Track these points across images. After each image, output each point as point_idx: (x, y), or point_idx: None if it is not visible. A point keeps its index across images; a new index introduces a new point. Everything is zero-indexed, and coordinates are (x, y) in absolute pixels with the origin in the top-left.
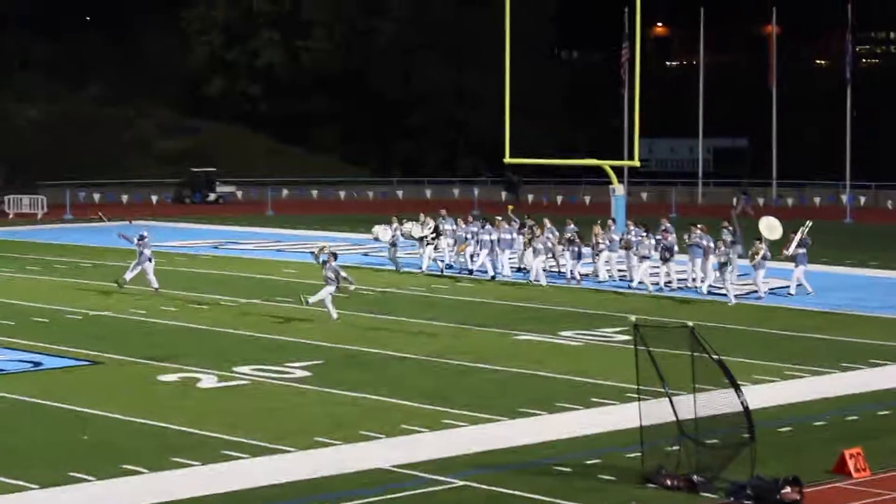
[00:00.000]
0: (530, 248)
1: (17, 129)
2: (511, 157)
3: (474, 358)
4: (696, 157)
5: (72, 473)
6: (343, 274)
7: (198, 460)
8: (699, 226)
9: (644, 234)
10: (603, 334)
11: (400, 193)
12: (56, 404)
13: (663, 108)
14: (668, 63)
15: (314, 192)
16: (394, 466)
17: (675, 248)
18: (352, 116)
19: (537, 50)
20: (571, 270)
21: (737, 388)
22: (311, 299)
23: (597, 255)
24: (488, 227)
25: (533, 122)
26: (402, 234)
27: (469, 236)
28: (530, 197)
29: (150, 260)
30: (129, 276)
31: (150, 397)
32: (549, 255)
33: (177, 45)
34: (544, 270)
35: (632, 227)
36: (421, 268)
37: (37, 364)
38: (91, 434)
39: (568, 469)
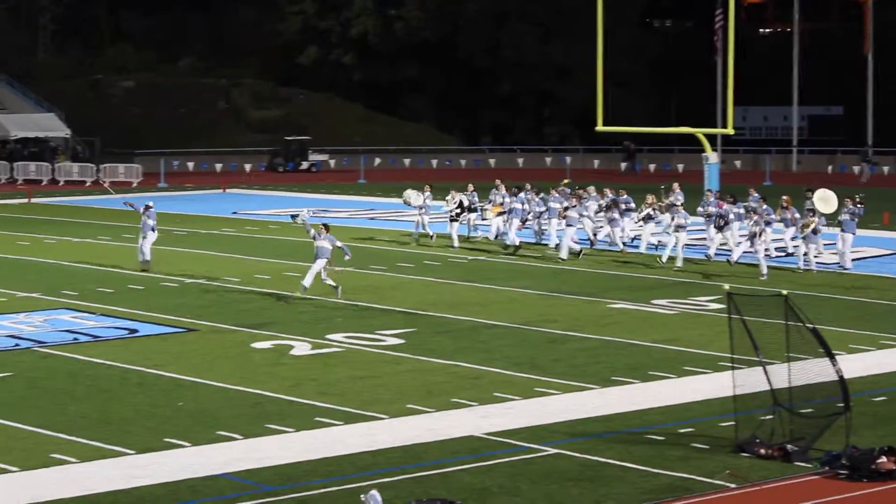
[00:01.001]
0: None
1: (112, 100)
2: (603, 125)
3: (566, 326)
4: (790, 125)
5: (168, 440)
6: (339, 244)
7: (291, 427)
8: (784, 197)
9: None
10: (696, 303)
11: (492, 162)
12: (152, 371)
13: (757, 76)
14: (762, 30)
15: (406, 161)
16: (486, 434)
17: (731, 216)
18: (444, 85)
19: (629, 18)
20: (612, 237)
21: (832, 357)
22: (306, 282)
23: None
24: (543, 196)
25: (624, 90)
26: (403, 201)
27: (525, 206)
28: (651, 166)
29: (152, 230)
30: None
31: (244, 365)
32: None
33: (270, 14)
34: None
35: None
36: (454, 244)
37: (133, 331)
38: (187, 401)
39: (661, 438)
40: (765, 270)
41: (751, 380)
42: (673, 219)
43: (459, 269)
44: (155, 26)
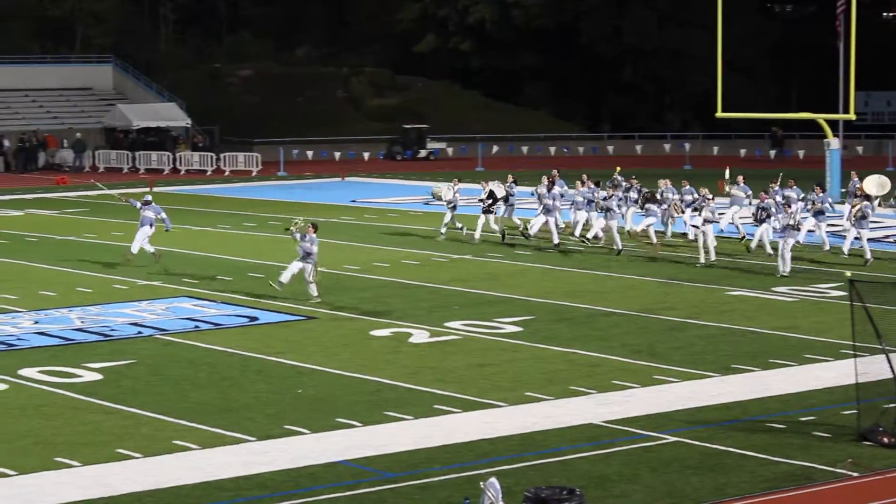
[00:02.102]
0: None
1: (231, 89)
2: (722, 111)
3: (685, 313)
4: None
5: (288, 426)
6: (315, 248)
7: (410, 414)
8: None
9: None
10: (817, 290)
11: (610, 149)
12: (272, 358)
13: (880, 61)
14: (885, 14)
15: (524, 148)
16: (605, 422)
17: (773, 209)
18: (562, 72)
19: (749, 4)
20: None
21: None
22: (283, 278)
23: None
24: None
25: (744, 76)
26: (433, 195)
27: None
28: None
29: (150, 225)
30: (151, 249)
31: (363, 352)
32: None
33: (388, 3)
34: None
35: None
36: (474, 236)
37: (253, 319)
38: (306, 388)
39: (782, 426)
40: (868, 255)
41: (873, 368)
42: (701, 212)
43: (575, 257)
44: (273, 15)
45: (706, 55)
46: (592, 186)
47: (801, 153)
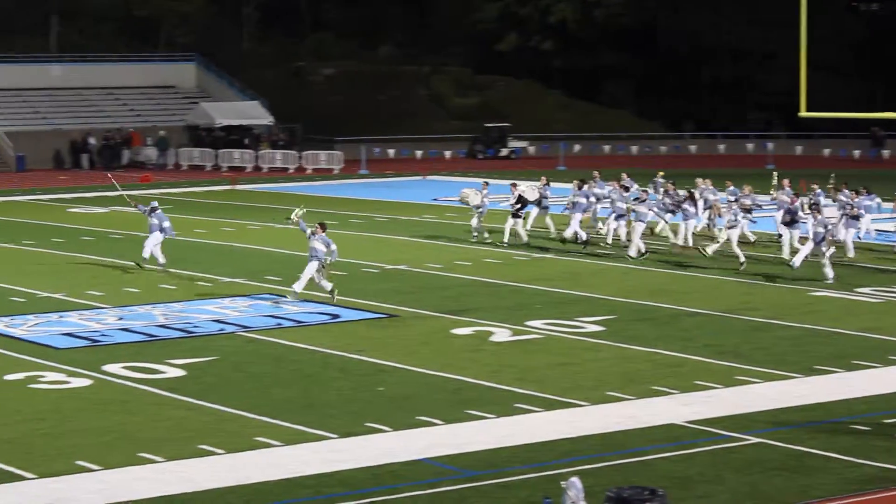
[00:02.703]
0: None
1: (314, 87)
2: (806, 111)
3: (768, 314)
4: None
5: (369, 424)
6: (333, 247)
7: (492, 413)
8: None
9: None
10: None
11: (693, 148)
12: (354, 356)
13: None
14: None
15: (605, 147)
16: (687, 422)
17: (800, 213)
18: (644, 71)
19: (833, 3)
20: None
21: None
22: (298, 287)
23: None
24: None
25: (829, 75)
26: (460, 200)
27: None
28: (856, 152)
29: (160, 231)
30: (162, 259)
31: (444, 350)
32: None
33: (470, 2)
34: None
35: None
36: (503, 240)
37: (335, 316)
38: (388, 386)
39: (866, 428)
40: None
41: None
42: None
43: (657, 257)
44: (356, 14)
45: (790, 54)
46: (615, 188)
47: (885, 153)
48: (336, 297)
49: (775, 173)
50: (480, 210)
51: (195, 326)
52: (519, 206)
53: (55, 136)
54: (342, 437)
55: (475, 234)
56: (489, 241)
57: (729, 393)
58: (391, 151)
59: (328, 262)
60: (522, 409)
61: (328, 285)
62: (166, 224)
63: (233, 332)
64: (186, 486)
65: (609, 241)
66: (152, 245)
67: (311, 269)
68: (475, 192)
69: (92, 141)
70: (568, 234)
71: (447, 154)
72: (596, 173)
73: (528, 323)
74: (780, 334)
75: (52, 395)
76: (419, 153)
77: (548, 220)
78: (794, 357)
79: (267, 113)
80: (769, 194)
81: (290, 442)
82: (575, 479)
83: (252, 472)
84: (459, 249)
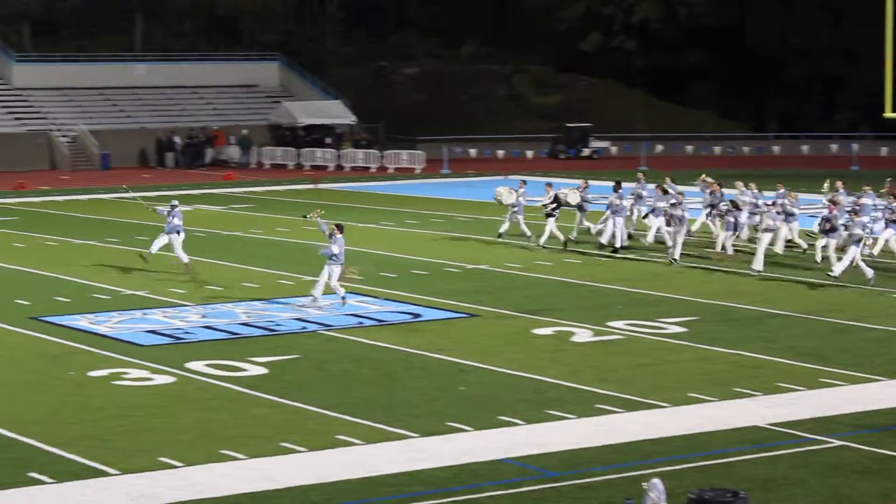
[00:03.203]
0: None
1: (396, 87)
2: (892, 111)
3: (853, 316)
4: None
5: (450, 423)
6: (335, 248)
7: (573, 413)
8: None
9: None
10: None
11: (776, 149)
12: (435, 356)
13: None
14: None
15: (688, 148)
16: (770, 424)
17: (839, 220)
18: (727, 71)
19: None
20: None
21: None
22: (316, 292)
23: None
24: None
25: None
26: (495, 199)
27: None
28: None
29: (178, 232)
30: (185, 259)
31: (525, 350)
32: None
33: (553, 1)
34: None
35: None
36: (536, 239)
37: (416, 316)
38: (469, 385)
39: None
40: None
41: None
42: (761, 218)
43: (739, 258)
44: (438, 14)
45: (876, 54)
46: (652, 190)
47: None
48: (346, 302)
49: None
50: (515, 209)
51: (277, 325)
52: (554, 205)
53: (139, 135)
54: (423, 436)
55: (513, 226)
56: (530, 237)
57: (812, 395)
58: (473, 151)
59: (319, 254)
60: (604, 410)
61: (340, 290)
62: (180, 222)
63: (314, 331)
64: (267, 483)
65: (650, 239)
66: (179, 244)
67: (335, 273)
68: (509, 191)
69: (177, 139)
70: (605, 238)
71: (529, 154)
72: (640, 174)
73: (610, 323)
74: (864, 336)
75: (136, 392)
76: (501, 153)
77: (586, 223)
78: (879, 359)
79: (349, 112)
80: (821, 195)
81: (371, 440)
82: (657, 481)
83: (333, 470)
84: (540, 250)
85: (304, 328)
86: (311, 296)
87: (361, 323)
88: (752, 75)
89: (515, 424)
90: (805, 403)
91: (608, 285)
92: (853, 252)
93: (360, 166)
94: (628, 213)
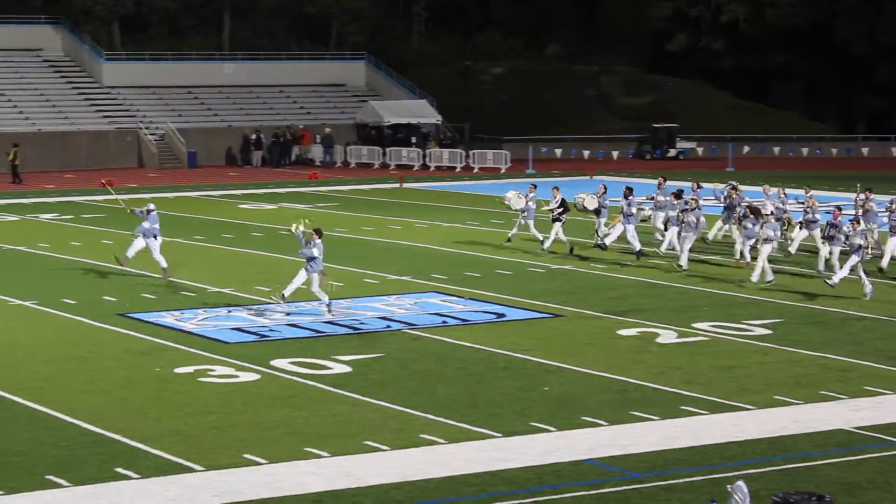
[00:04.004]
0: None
1: (481, 86)
2: None
3: None
4: None
5: (534, 423)
6: (315, 251)
7: (656, 415)
8: None
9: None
10: None
11: (865, 151)
12: (519, 355)
13: None
14: None
15: (775, 149)
16: (856, 428)
17: (845, 228)
18: (815, 72)
19: None
20: (742, 251)
21: None
22: (287, 292)
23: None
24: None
25: None
26: (503, 202)
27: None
28: None
29: (154, 236)
30: (164, 263)
31: (609, 351)
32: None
33: (640, 1)
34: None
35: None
36: (544, 245)
37: (500, 315)
38: (552, 386)
39: None
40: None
41: None
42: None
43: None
44: (524, 13)
45: None
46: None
47: None
48: (332, 311)
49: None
50: (525, 213)
51: (361, 323)
52: (560, 209)
53: (226, 133)
54: (507, 435)
55: (543, 242)
56: (542, 238)
57: None
58: (558, 151)
59: (299, 253)
60: (688, 412)
61: (325, 297)
62: (156, 225)
63: (399, 330)
64: (351, 481)
65: (663, 249)
66: (157, 249)
67: (315, 281)
68: (518, 196)
69: (263, 138)
70: (638, 245)
71: (615, 154)
72: (661, 179)
73: (695, 325)
74: None
75: (221, 389)
76: (586, 153)
77: (604, 228)
78: None
79: (435, 112)
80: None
81: (454, 440)
82: (741, 484)
83: (416, 468)
84: (626, 250)
85: (388, 327)
86: (281, 295)
87: (445, 322)
88: (840, 76)
89: (599, 425)
90: (892, 407)
91: (693, 287)
92: (853, 261)
93: (445, 166)
94: (647, 218)
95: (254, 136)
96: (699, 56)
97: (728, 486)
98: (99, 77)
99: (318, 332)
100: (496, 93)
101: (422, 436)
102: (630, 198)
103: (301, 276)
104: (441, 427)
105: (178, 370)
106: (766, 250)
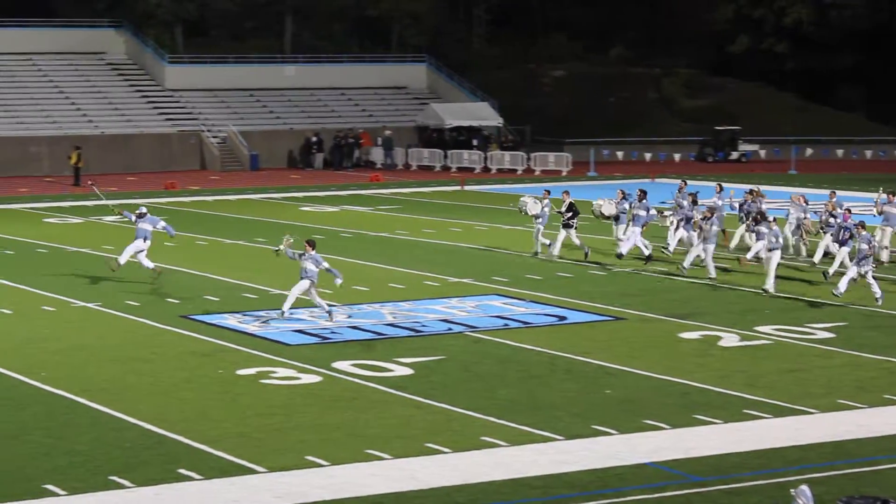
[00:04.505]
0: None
1: (544, 89)
2: None
3: None
4: None
5: (595, 426)
6: (326, 265)
7: (719, 418)
8: None
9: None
10: None
11: None
12: (580, 358)
13: None
14: None
15: (839, 151)
16: None
17: (853, 230)
18: (879, 74)
19: None
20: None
21: None
22: (285, 306)
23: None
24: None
25: None
26: (518, 208)
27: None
28: None
29: (144, 239)
30: (150, 265)
31: (671, 354)
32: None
33: (702, 3)
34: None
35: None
36: (546, 248)
37: (562, 318)
38: (614, 389)
39: None
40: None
41: None
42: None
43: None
44: (587, 16)
45: None
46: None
47: None
48: (334, 317)
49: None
50: (540, 220)
51: (423, 326)
52: (570, 214)
53: (288, 136)
54: (568, 438)
55: (539, 250)
56: (549, 246)
57: None
58: (620, 153)
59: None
60: (751, 416)
61: (323, 304)
62: (161, 224)
63: (460, 332)
64: (412, 483)
65: (671, 250)
66: (131, 251)
67: (300, 288)
68: (534, 201)
69: (323, 140)
70: (624, 249)
71: (677, 157)
72: (682, 182)
73: (758, 328)
74: None
75: (283, 391)
76: (648, 155)
77: (621, 235)
78: None
79: (496, 114)
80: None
81: (516, 442)
82: (805, 488)
83: (478, 471)
84: (685, 253)
85: (450, 329)
86: (281, 311)
87: (507, 325)
88: None
89: (661, 428)
90: None
91: (755, 290)
92: (853, 272)
93: (506, 168)
94: (669, 224)
95: (315, 139)
96: (761, 58)
97: (791, 490)
98: (161, 80)
99: (379, 334)
100: (558, 95)
101: (483, 438)
102: (645, 201)
103: (299, 287)
104: (502, 429)
105: (241, 372)
106: (774, 258)
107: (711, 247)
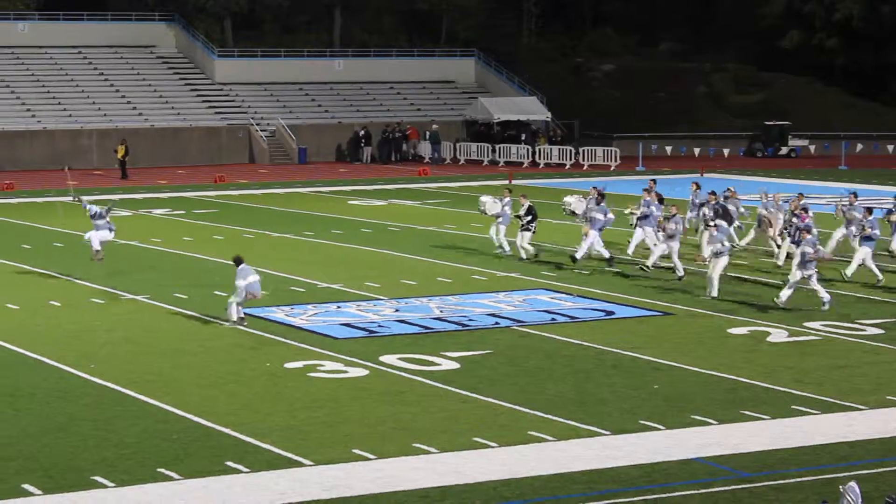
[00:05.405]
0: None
1: (592, 83)
2: None
3: None
4: None
5: (643, 422)
6: (252, 278)
7: (767, 414)
8: None
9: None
10: None
11: None
12: (628, 353)
13: None
14: None
15: (889, 147)
16: None
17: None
18: None
19: None
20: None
21: None
22: (232, 307)
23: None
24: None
25: None
26: (479, 209)
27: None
28: None
29: (110, 230)
30: (97, 246)
31: (719, 350)
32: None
33: None
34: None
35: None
36: (505, 248)
37: (609, 313)
38: (662, 384)
39: None
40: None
41: None
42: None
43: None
44: (635, 10)
45: None
46: (648, 200)
47: None
48: (245, 325)
49: None
50: (500, 220)
51: (470, 320)
52: (528, 218)
53: (336, 130)
54: (615, 433)
55: (498, 248)
56: (509, 253)
57: None
58: (668, 148)
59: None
60: (799, 412)
61: (241, 312)
62: (112, 226)
63: (507, 326)
64: (459, 478)
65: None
66: (99, 237)
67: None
68: (494, 201)
69: (370, 134)
70: (580, 254)
71: (726, 152)
72: (694, 185)
73: (806, 324)
74: None
75: (330, 384)
76: (697, 150)
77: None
78: None
79: (544, 108)
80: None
81: (563, 437)
82: (853, 484)
83: (525, 466)
84: (736, 248)
85: (497, 324)
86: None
87: (554, 319)
88: None
89: (709, 424)
90: None
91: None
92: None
93: (554, 163)
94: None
95: (363, 133)
96: (810, 53)
97: (840, 487)
98: (211, 74)
99: (426, 328)
100: (607, 90)
101: (530, 433)
102: (601, 204)
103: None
104: (549, 424)
105: (288, 365)
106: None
107: (676, 245)
